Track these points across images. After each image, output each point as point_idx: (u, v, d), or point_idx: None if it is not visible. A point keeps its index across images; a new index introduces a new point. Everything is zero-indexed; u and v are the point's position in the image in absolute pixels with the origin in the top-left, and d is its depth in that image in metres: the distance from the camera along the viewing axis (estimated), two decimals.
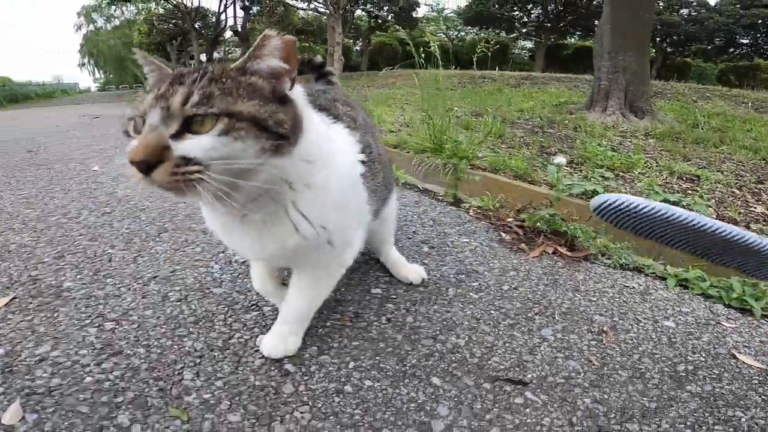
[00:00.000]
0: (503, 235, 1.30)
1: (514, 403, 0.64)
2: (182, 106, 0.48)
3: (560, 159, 2.00)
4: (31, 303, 0.91)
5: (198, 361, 0.69)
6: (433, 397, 0.65)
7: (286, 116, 0.53)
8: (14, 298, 0.93)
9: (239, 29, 17.22)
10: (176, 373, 0.66)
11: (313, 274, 0.71)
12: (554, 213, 1.34)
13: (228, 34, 21.47)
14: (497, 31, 21.22)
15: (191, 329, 0.75)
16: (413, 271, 1.00)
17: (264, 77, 0.54)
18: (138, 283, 0.93)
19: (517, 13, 20.66)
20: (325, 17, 19.96)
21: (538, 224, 1.34)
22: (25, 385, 0.65)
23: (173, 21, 21.21)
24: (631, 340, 0.85)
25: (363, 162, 0.71)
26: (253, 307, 0.85)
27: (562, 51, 21.05)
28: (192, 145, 0.47)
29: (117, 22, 34.77)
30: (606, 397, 0.69)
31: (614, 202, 0.42)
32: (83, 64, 38.29)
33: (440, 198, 1.60)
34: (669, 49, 18.87)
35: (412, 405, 0.62)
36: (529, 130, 3.67)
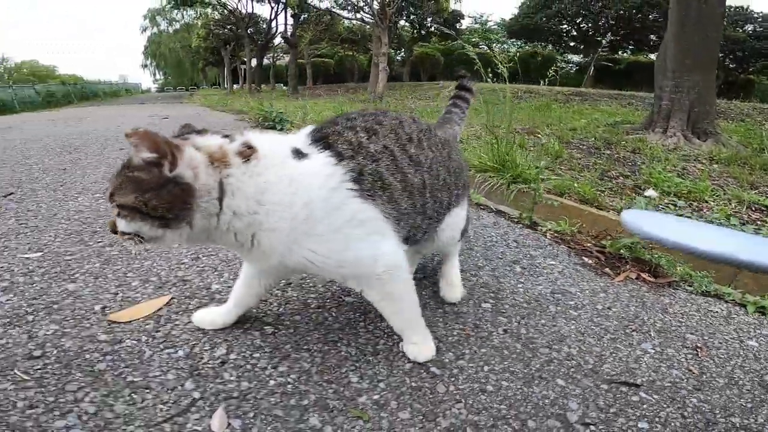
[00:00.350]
0: (585, 259, 1.38)
1: (632, 400, 0.76)
2: (109, 198, 0.66)
3: (651, 192, 2.04)
4: (189, 304, 0.96)
5: (357, 365, 0.79)
6: (562, 394, 0.77)
7: (159, 202, 0.62)
8: (172, 298, 0.98)
9: (289, 36, 17.92)
10: (343, 376, 0.76)
11: (366, 292, 0.79)
12: (636, 242, 1.41)
13: (278, 40, 22.47)
14: (543, 44, 20.86)
15: (340, 335, 0.87)
16: (454, 292, 1.07)
17: (143, 169, 0.63)
18: (278, 289, 1.04)
19: (565, 26, 20.24)
20: (369, 27, 20.50)
21: (622, 251, 1.41)
22: (219, 389, 0.70)
23: (228, 26, 22.28)
24: (722, 355, 0.95)
25: (360, 188, 0.73)
26: None
27: (613, 66, 20.38)
28: (119, 224, 0.65)
29: (178, 26, 37.16)
30: (709, 398, 0.80)
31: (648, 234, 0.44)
32: (145, 66, 41.20)
33: (515, 220, 1.69)
34: (732, 66, 17.86)
35: (547, 401, 0.74)
36: (585, 150, 3.66)
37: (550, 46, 21.27)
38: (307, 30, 19.64)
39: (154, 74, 42.57)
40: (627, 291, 1.21)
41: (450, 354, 0.84)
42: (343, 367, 0.78)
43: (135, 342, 0.82)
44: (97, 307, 0.93)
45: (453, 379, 0.77)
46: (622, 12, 17.79)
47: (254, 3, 20.00)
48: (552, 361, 0.87)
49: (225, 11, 20.75)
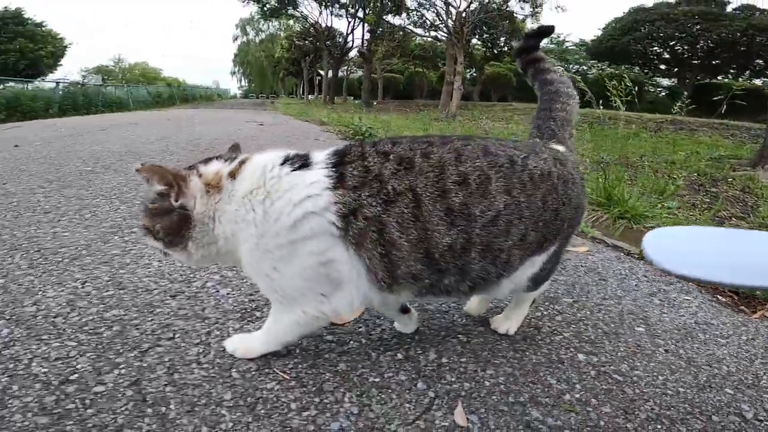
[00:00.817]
0: (718, 297, 1.40)
1: None
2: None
3: None
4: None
5: (550, 370, 0.88)
6: (734, 399, 0.86)
7: (163, 227, 0.69)
8: None
9: (365, 51, 18.82)
10: (543, 378, 0.86)
11: (263, 291, 0.76)
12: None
13: (352, 53, 23.59)
14: (628, 66, 19.78)
15: (525, 345, 0.95)
16: (503, 323, 0.99)
17: (155, 200, 0.69)
18: (456, 305, 1.12)
19: (656, 48, 19.09)
20: (440, 44, 20.81)
21: (758, 292, 1.41)
22: (447, 389, 0.79)
23: (309, 39, 23.66)
24: None
25: (345, 228, 0.64)
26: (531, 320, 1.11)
27: (712, 92, 18.68)
28: (148, 241, 0.73)
29: (263, 36, 40.36)
30: None
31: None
32: (234, 72, 45.39)
33: (635, 256, 1.73)
34: None
35: (722, 403, 0.84)
36: (688, 186, 3.49)
37: (636, 69, 20.11)
38: (380, 45, 20.37)
39: (240, 81, 46.63)
40: (766, 326, 1.23)
41: (625, 365, 0.95)
42: (540, 371, 0.88)
43: (358, 344, 0.92)
44: None
45: (635, 384, 0.87)
46: (724, 35, 16.40)
47: (333, 17, 21.24)
48: (715, 376, 0.93)
49: (306, 24, 22.10)
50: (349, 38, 21.33)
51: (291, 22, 25.29)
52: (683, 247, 0.59)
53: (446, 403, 0.77)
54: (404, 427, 0.70)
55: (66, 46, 25.38)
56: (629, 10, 20.82)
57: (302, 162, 0.69)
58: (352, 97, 26.77)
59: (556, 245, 0.81)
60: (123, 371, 0.79)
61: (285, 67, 31.83)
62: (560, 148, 0.88)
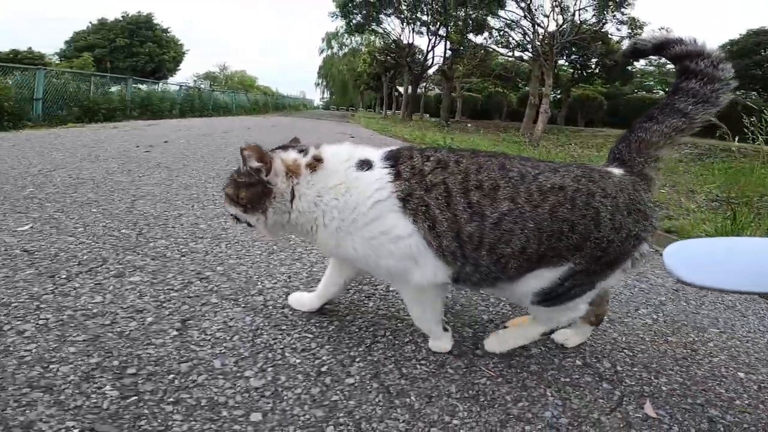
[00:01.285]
0: None
1: None
2: (223, 189, 0.92)
3: None
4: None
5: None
6: None
7: (246, 195, 0.86)
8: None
9: (446, 69, 19.02)
10: (712, 387, 0.97)
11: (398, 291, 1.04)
12: None
13: (431, 70, 23.90)
14: (745, 91, 17.65)
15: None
16: (495, 343, 1.01)
17: (247, 174, 0.85)
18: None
19: None
20: (524, 64, 20.23)
21: None
22: (631, 390, 0.90)
23: (390, 55, 24.34)
24: None
25: (404, 207, 0.81)
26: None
27: None
28: (226, 206, 0.92)
29: (346, 50, 42.34)
30: None
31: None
32: (317, 84, 48.42)
33: None
34: None
35: None
36: None
37: (754, 94, 17.85)
38: (460, 63, 20.36)
39: (323, 93, 49.39)
40: None
41: None
42: (707, 383, 0.99)
43: (539, 350, 1.02)
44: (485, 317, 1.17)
45: None
46: None
47: (414, 34, 21.66)
48: None
49: (388, 39, 22.81)
50: (429, 55, 21.73)
51: (372, 37, 26.32)
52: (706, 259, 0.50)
53: (634, 400, 0.88)
54: (605, 416, 0.83)
55: (184, 52, 29.14)
56: (748, 33, 18.73)
57: (369, 165, 0.87)
58: (428, 114, 27.09)
59: (575, 264, 0.82)
60: (361, 364, 0.89)
61: (365, 81, 33.09)
62: (615, 170, 0.88)
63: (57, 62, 22.05)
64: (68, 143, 3.70)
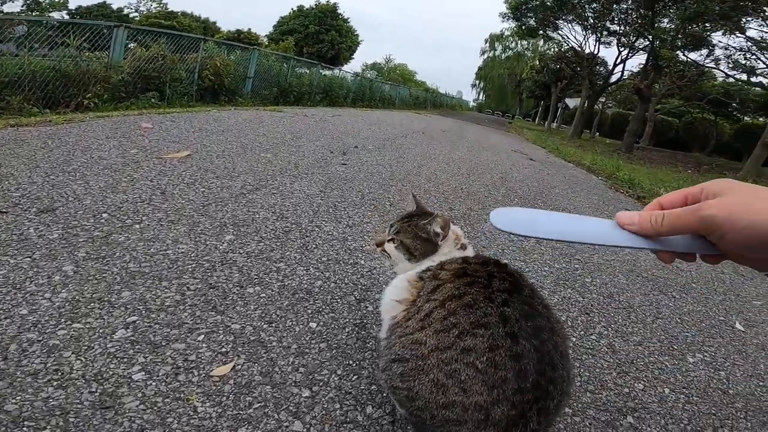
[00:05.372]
0: None
1: None
2: (389, 230, 0.99)
3: None
4: None
5: None
6: None
7: (421, 248, 0.93)
8: None
9: (642, 87, 15.83)
10: None
11: None
12: None
13: (613, 86, 20.68)
14: None
15: None
16: None
17: (426, 231, 0.93)
18: None
19: None
20: (756, 89, 15.67)
21: None
22: None
23: (565, 62, 21.93)
24: None
25: None
26: None
27: None
28: (387, 246, 0.97)
29: (510, 53, 40.36)
30: None
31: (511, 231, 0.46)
32: (474, 85, 47.72)
33: None
34: None
35: None
36: None
37: None
38: (659, 82, 16.97)
39: (479, 95, 48.37)
40: None
41: None
42: None
43: None
44: None
45: None
46: None
47: (599, 44, 18.81)
48: None
49: (564, 47, 20.52)
50: (617, 69, 18.77)
51: (541, 42, 24.10)
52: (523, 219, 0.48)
53: None
54: None
55: (359, 43, 31.60)
56: None
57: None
58: (598, 134, 23.60)
59: None
60: None
61: (530, 87, 30.80)
62: None
63: (266, 44, 26.18)
64: (270, 136, 3.80)
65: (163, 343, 0.98)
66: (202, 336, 1.02)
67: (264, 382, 0.92)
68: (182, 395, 0.85)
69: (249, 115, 5.25)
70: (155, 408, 0.82)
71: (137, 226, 1.56)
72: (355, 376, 0.99)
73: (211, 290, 1.22)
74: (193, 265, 1.34)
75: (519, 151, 7.38)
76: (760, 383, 1.37)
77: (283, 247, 1.61)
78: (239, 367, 0.94)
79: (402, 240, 0.96)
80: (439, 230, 0.94)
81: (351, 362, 1.03)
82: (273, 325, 1.11)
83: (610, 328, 1.54)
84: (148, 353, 0.94)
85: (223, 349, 0.99)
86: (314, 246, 1.68)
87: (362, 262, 1.64)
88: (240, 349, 1.00)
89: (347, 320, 1.21)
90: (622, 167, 7.11)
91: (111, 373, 0.88)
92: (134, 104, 5.04)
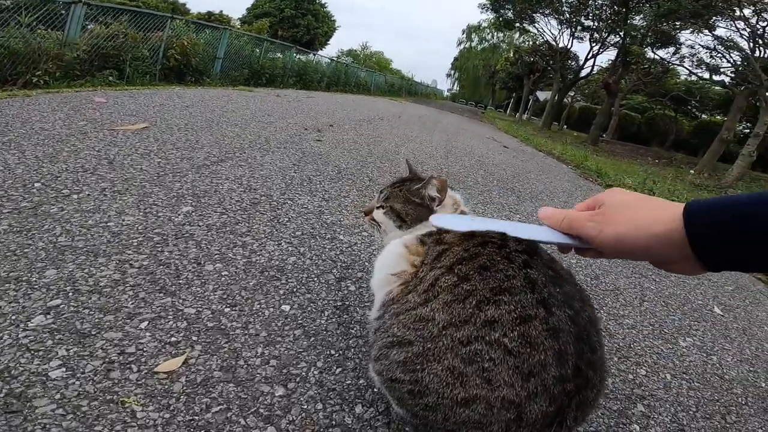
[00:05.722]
0: None
1: None
2: (379, 197, 0.89)
3: None
4: None
5: None
6: None
7: (413, 214, 0.82)
8: None
9: (610, 82, 16.32)
10: None
11: None
12: None
13: (583, 80, 21.24)
14: None
15: None
16: None
17: (420, 195, 0.83)
18: None
19: None
20: (716, 88, 16.55)
21: None
22: None
23: (539, 55, 22.25)
24: None
25: None
26: None
27: None
28: (375, 213, 0.87)
29: (486, 45, 40.61)
30: None
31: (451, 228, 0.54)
32: (449, 75, 47.67)
33: None
34: None
35: None
36: None
37: None
38: (626, 78, 17.59)
39: (454, 85, 48.45)
40: None
41: None
42: None
43: None
44: None
45: None
46: None
47: (573, 39, 19.21)
48: None
49: (539, 41, 20.85)
50: (588, 63, 19.24)
51: (517, 35, 24.41)
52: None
53: None
54: None
55: (336, 28, 30.71)
56: None
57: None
58: (565, 126, 24.25)
59: None
60: None
61: (503, 79, 31.14)
62: None
63: (238, 26, 24.97)
64: (239, 112, 3.53)
65: (93, 333, 0.78)
66: (146, 323, 0.83)
67: (225, 378, 0.74)
68: (115, 397, 0.66)
69: (217, 92, 4.90)
70: (78, 413, 0.63)
71: (75, 196, 1.32)
72: (339, 369, 0.83)
73: (160, 268, 1.02)
74: (140, 239, 1.13)
75: (492, 138, 7.39)
76: (751, 369, 1.33)
77: (250, 219, 1.42)
78: (193, 360, 0.76)
79: (392, 205, 0.86)
80: (434, 194, 0.83)
81: (333, 352, 0.87)
82: (237, 308, 0.93)
83: (602, 311, 1.47)
84: (72, 345, 0.74)
85: (173, 339, 0.80)
86: (287, 219, 1.50)
87: (341, 237, 1.48)
88: (195, 338, 0.81)
89: (326, 302, 1.05)
90: (590, 158, 7.30)
91: (21, 369, 0.68)
92: (89, 82, 4.61)
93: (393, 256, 0.72)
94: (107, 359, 0.73)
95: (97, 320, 0.81)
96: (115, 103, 2.96)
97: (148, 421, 0.63)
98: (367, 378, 0.81)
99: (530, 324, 0.51)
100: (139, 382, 0.69)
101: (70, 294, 0.87)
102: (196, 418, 0.65)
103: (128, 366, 0.72)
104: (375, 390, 0.79)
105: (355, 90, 13.79)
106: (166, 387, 0.70)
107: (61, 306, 0.84)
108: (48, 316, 0.80)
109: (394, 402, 0.64)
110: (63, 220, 1.16)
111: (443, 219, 0.50)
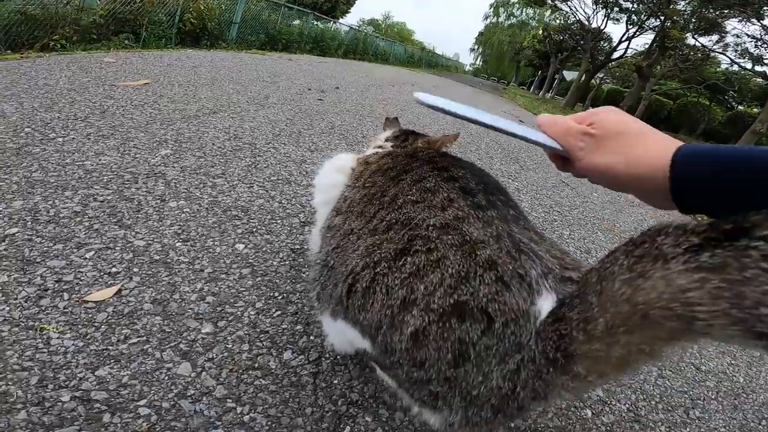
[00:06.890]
0: None
1: None
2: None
3: None
4: None
5: None
6: None
7: None
8: None
9: (644, 66, 15.44)
10: None
11: None
12: None
13: (614, 62, 20.22)
14: None
15: None
16: None
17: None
18: None
19: None
20: (758, 80, 15.52)
21: None
22: None
23: (568, 34, 21.20)
24: None
25: None
26: None
27: None
28: None
29: (514, 21, 38.89)
30: None
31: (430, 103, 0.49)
32: (473, 49, 45.99)
33: None
34: None
35: None
36: None
37: None
38: (661, 63, 16.63)
39: (476, 59, 46.80)
40: None
41: None
42: None
43: None
44: None
45: None
46: None
47: (608, 20, 18.11)
48: None
49: (570, 19, 19.80)
50: (621, 46, 18.20)
51: (548, 12, 23.20)
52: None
53: None
54: None
55: None
56: None
57: None
58: (591, 108, 23.30)
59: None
60: None
61: (529, 56, 29.87)
62: None
63: None
64: (245, 72, 3.46)
65: (38, 260, 0.77)
66: (92, 253, 0.82)
67: (154, 311, 0.73)
68: (37, 323, 0.65)
69: (228, 55, 4.81)
70: None
71: (60, 139, 1.31)
72: (279, 312, 0.81)
73: (123, 202, 1.01)
74: (111, 176, 1.12)
75: (509, 112, 7.13)
76: (732, 362, 1.27)
77: (227, 163, 1.39)
78: (126, 291, 0.75)
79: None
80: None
81: (277, 294, 0.85)
82: (189, 243, 0.91)
83: None
84: (13, 271, 0.74)
85: (113, 270, 0.79)
86: (265, 165, 1.47)
87: None
88: (136, 269, 0.80)
89: (284, 244, 1.02)
90: None
91: None
92: (105, 45, 4.59)
93: (340, 159, 0.74)
94: (43, 286, 0.72)
95: (45, 248, 0.81)
96: (123, 63, 2.93)
97: (59, 348, 0.63)
98: (306, 324, 0.79)
99: (426, 180, 0.55)
100: (66, 310, 0.69)
101: (29, 224, 0.87)
102: (110, 348, 0.65)
103: (60, 294, 0.72)
104: (311, 337, 0.77)
105: (374, 59, 13.44)
106: (90, 316, 0.69)
107: (17, 234, 0.83)
108: (2, 244, 0.79)
109: (356, 330, 0.54)
110: (42, 158, 1.15)
111: (428, 97, 0.48)
